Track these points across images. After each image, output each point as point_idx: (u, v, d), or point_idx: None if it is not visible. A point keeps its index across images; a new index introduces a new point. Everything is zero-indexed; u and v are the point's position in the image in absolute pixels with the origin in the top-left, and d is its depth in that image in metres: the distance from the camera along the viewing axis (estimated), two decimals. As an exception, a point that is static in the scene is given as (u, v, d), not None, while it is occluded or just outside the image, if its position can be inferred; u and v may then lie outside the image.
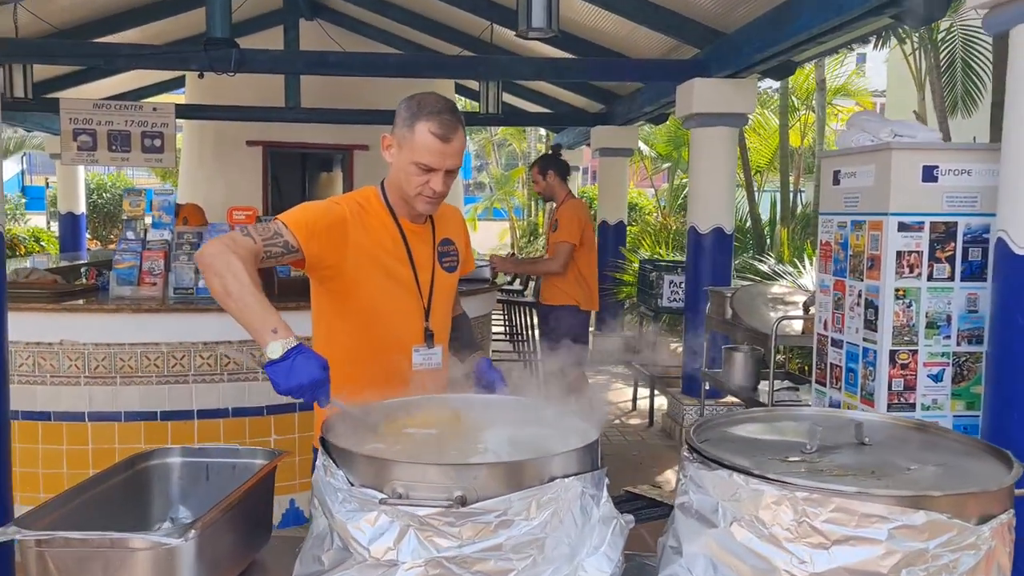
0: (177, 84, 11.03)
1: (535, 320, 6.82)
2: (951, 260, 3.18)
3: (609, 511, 1.72)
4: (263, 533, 2.03)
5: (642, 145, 12.46)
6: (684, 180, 12.86)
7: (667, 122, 9.94)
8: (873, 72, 15.40)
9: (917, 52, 8.15)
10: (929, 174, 3.14)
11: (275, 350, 1.70)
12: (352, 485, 1.61)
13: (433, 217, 2.21)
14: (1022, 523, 1.57)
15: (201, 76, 6.35)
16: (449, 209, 2.29)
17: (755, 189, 10.09)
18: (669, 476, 5.21)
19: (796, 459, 1.63)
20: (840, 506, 1.41)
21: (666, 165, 13.31)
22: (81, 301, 4.10)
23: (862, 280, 3.31)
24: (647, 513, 2.06)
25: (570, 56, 7.37)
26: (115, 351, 3.92)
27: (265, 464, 2.06)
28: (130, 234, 4.36)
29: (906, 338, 3.18)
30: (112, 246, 4.50)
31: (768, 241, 9.19)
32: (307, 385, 1.67)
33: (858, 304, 3.34)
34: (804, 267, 7.15)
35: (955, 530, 1.40)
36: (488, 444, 1.83)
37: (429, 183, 2.02)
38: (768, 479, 1.48)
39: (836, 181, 3.54)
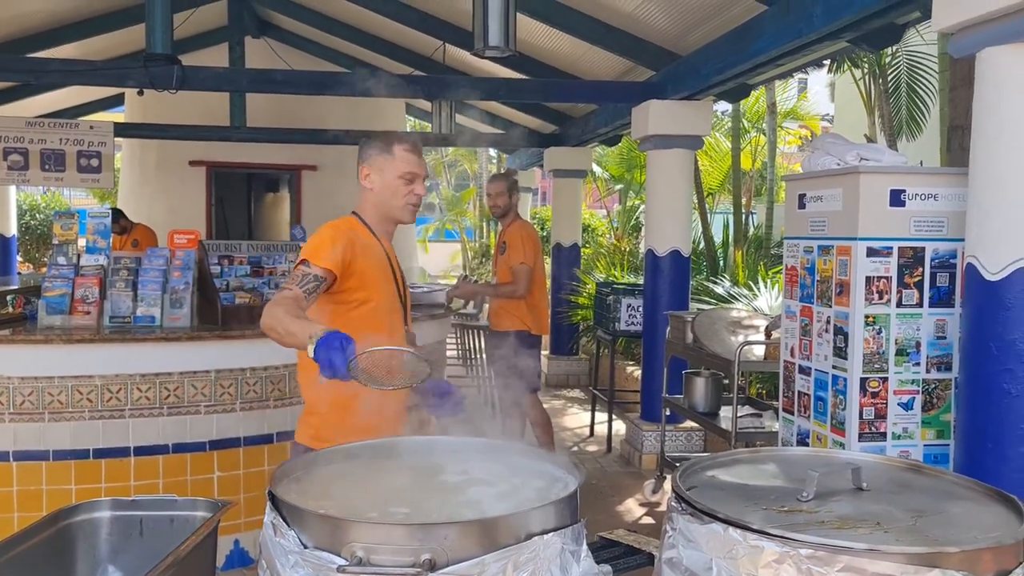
0: (116, 102, 10.67)
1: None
2: (919, 286, 3.13)
3: (589, 567, 1.58)
4: (204, 594, 1.84)
5: (594, 167, 12.46)
6: (637, 202, 12.88)
7: (620, 143, 9.93)
8: (815, 97, 15.72)
9: (867, 77, 8.27)
10: (896, 198, 3.09)
11: (309, 349, 1.96)
12: (305, 547, 1.44)
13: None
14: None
15: (141, 93, 6.11)
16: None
17: (707, 211, 10.13)
18: (630, 505, 5.09)
19: (793, 508, 1.51)
20: (849, 564, 1.29)
21: (619, 187, 13.33)
22: (7, 331, 3.82)
23: (831, 306, 3.24)
24: (625, 563, 1.93)
25: (525, 77, 7.29)
26: (43, 385, 3.65)
27: (208, 517, 1.87)
28: (61, 259, 4.08)
29: (876, 365, 3.11)
30: (46, 269, 4.22)
31: (722, 263, 9.20)
32: (331, 351, 1.90)
33: (826, 331, 3.27)
34: (759, 289, 7.14)
35: (971, 589, 1.29)
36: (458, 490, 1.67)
37: (414, 190, 2.51)
38: (768, 534, 1.35)
39: (802, 205, 3.47)
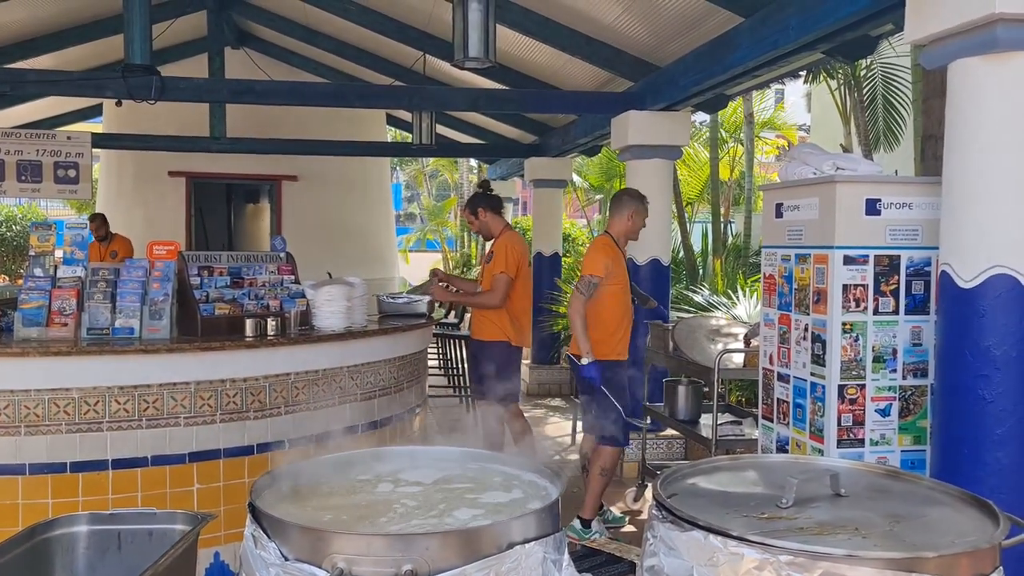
0: (95, 112, 10.60)
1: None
2: (895, 293, 3.17)
3: (571, 575, 1.58)
4: (183, 609, 1.82)
5: (575, 176, 12.52)
6: (617, 211, 12.90)
7: (600, 153, 9.98)
8: (792, 107, 15.90)
9: (842, 88, 8.37)
10: (872, 207, 3.13)
11: (585, 360, 4.28)
12: (286, 559, 1.44)
13: None
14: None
15: (119, 104, 6.08)
16: None
17: (687, 220, 10.19)
18: (613, 513, 5.08)
19: (772, 515, 1.53)
20: (828, 571, 1.30)
21: (599, 196, 13.39)
22: (-18, 344, 3.77)
23: (808, 314, 3.27)
24: (607, 571, 1.93)
25: (505, 87, 7.32)
26: (19, 398, 3.61)
27: (187, 530, 1.86)
28: (38, 271, 4.04)
29: (854, 372, 3.14)
30: (22, 281, 4.18)
31: (701, 272, 9.25)
32: (592, 369, 4.28)
33: (804, 338, 3.30)
34: (737, 298, 7.19)
35: (948, 592, 1.30)
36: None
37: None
38: (748, 541, 1.36)
39: (779, 214, 3.51)
